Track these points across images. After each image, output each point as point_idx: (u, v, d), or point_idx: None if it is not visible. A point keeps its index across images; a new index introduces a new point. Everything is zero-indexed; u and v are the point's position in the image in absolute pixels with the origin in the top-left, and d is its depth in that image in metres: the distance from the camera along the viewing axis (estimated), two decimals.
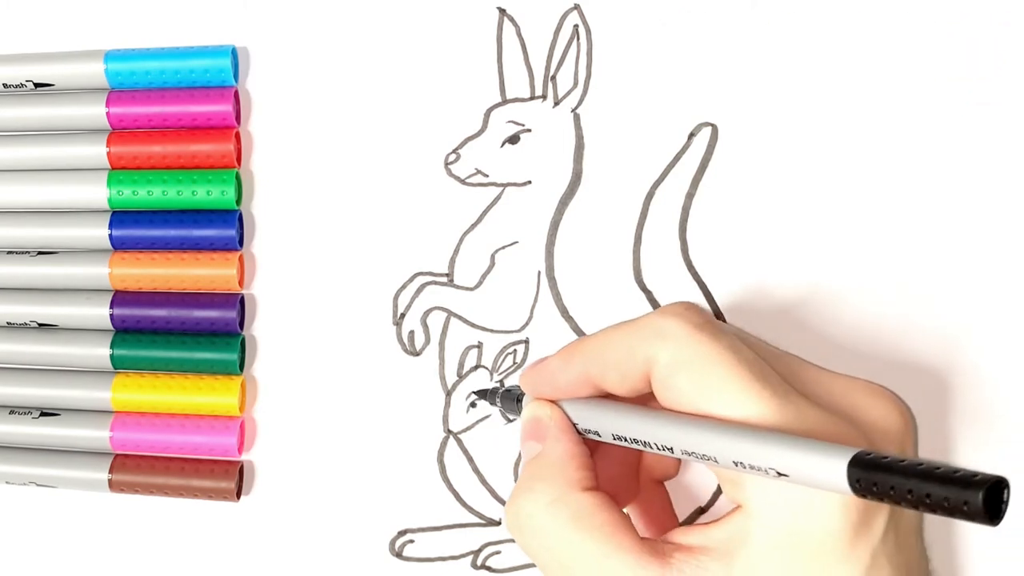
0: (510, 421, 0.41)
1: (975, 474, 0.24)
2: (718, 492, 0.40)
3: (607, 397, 0.34)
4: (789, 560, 0.29)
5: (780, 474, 0.27)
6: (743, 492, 0.30)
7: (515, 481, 0.42)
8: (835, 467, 0.26)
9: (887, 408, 0.31)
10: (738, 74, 0.40)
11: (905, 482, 0.25)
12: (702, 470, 0.40)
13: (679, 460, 0.37)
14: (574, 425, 0.34)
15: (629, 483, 0.37)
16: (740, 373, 0.30)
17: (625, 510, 0.37)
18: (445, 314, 0.42)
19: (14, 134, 0.43)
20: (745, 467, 0.28)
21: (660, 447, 0.31)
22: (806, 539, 0.28)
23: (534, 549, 0.32)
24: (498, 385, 0.41)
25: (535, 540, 0.32)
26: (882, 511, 0.29)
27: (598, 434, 0.33)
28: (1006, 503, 0.24)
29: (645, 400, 0.33)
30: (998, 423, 0.39)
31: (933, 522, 0.37)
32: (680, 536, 0.31)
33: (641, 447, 0.32)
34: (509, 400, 0.38)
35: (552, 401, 0.35)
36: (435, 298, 0.42)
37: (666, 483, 0.38)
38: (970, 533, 0.40)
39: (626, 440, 0.32)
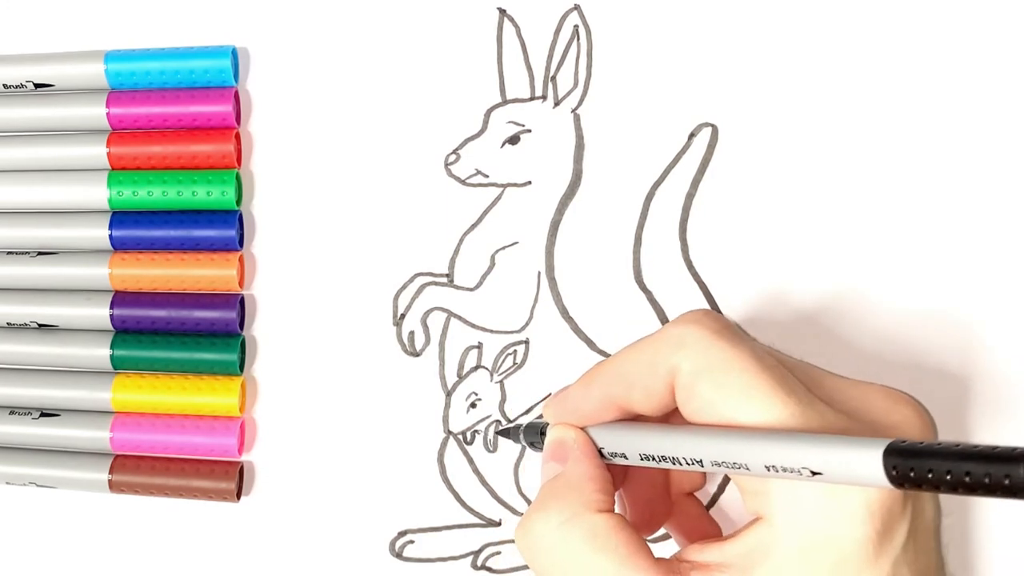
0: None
1: (1015, 448, 0.23)
2: (719, 491, 0.40)
3: (633, 419, 0.33)
4: (812, 571, 0.28)
5: (814, 473, 0.27)
6: (767, 502, 0.29)
7: (515, 482, 0.42)
8: (870, 458, 0.26)
9: (906, 412, 0.31)
10: (738, 74, 0.40)
11: (943, 464, 0.24)
12: None
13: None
14: (600, 450, 0.33)
15: (663, 502, 0.37)
16: (764, 378, 0.29)
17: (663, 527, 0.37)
18: (445, 314, 0.42)
19: (14, 134, 0.43)
20: (777, 470, 0.28)
21: (689, 461, 0.30)
22: (830, 548, 0.28)
23: (546, 570, 0.32)
24: (519, 424, 0.40)
25: (547, 560, 0.32)
26: (904, 518, 0.28)
27: (625, 456, 0.32)
28: None
29: (669, 419, 0.33)
30: (1019, 424, 0.39)
31: (949, 523, 0.37)
32: (696, 553, 0.30)
33: (670, 464, 0.31)
34: (533, 434, 0.37)
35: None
36: (435, 298, 0.42)
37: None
38: (986, 532, 0.40)
39: (654, 459, 0.31)
